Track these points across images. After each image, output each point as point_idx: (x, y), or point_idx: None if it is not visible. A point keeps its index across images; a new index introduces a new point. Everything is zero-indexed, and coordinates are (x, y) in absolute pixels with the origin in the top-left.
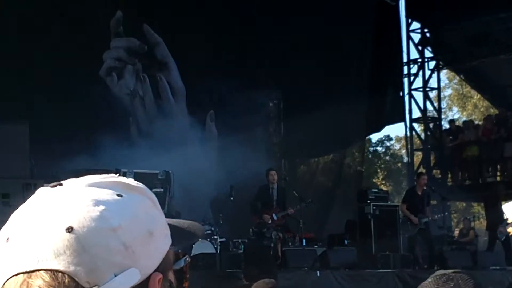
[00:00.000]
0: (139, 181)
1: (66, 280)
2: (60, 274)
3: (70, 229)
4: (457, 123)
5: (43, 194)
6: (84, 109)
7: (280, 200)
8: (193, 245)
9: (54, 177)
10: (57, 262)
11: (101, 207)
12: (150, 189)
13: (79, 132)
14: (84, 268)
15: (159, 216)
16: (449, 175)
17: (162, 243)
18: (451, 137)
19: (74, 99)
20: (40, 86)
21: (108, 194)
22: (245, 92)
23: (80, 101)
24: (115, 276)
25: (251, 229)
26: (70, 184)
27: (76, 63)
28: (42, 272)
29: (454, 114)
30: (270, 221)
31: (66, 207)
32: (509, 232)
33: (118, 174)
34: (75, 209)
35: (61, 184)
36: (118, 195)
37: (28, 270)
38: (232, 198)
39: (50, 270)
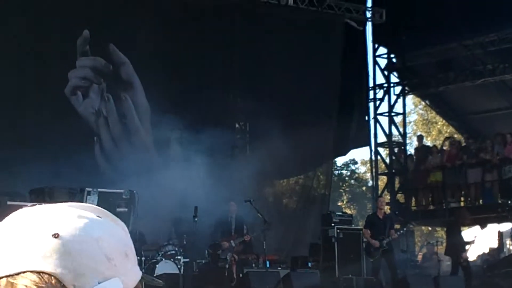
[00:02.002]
0: (103, 200)
1: (53, 281)
2: (46, 275)
3: (56, 235)
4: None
5: (24, 211)
6: (49, 128)
7: (238, 228)
8: (157, 265)
9: (17, 194)
10: (44, 264)
11: (85, 220)
12: (115, 208)
13: (44, 151)
14: (70, 272)
15: (131, 246)
16: (413, 200)
17: (136, 269)
18: (415, 160)
19: (40, 118)
20: (4, 103)
21: (88, 213)
22: (211, 113)
23: (46, 119)
24: (99, 283)
25: (206, 251)
26: (51, 204)
27: (42, 81)
28: (28, 273)
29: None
30: (227, 246)
31: (51, 217)
32: (468, 257)
33: (83, 193)
34: (61, 219)
35: (40, 204)
36: (97, 216)
37: (12, 273)
38: (196, 219)
39: (37, 271)
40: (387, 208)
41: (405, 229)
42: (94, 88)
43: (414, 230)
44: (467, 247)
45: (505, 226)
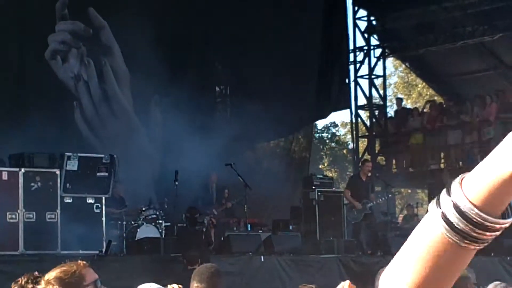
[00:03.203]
0: (84, 165)
1: None
2: None
3: None
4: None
5: None
6: (29, 92)
7: (219, 198)
8: (138, 230)
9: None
10: None
11: None
12: (95, 173)
13: (24, 116)
14: None
15: None
16: (394, 162)
17: None
18: (395, 123)
19: (19, 82)
20: None
21: None
22: (191, 77)
23: (24, 84)
24: None
25: (183, 215)
26: None
27: (22, 46)
28: None
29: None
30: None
31: None
32: None
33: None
34: None
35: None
36: None
37: None
38: (176, 183)
39: None
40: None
41: (389, 195)
42: (73, 53)
43: (394, 191)
44: None
45: None
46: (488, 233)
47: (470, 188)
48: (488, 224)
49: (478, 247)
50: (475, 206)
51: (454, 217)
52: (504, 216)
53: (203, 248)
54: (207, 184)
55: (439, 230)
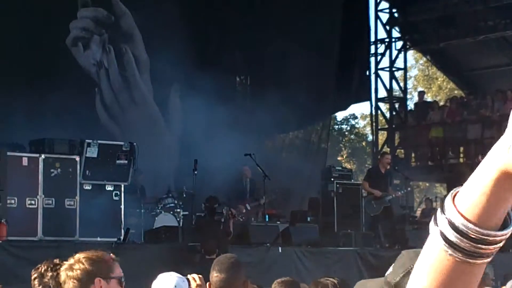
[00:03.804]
0: (103, 153)
1: None
2: None
3: None
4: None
5: None
6: (50, 79)
7: (252, 191)
8: (156, 218)
9: (17, 145)
10: None
11: None
12: (114, 160)
13: (44, 102)
14: None
15: None
16: (413, 155)
17: None
18: (415, 116)
19: (40, 69)
20: (6, 56)
21: None
22: (211, 66)
23: (46, 71)
24: None
25: (202, 204)
26: None
27: (43, 33)
28: None
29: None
30: (244, 211)
31: None
32: None
33: (83, 145)
34: None
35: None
36: None
37: None
38: (195, 172)
39: None
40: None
41: (408, 189)
42: (95, 39)
43: (413, 186)
44: None
45: None
46: (490, 247)
47: (463, 203)
48: (487, 238)
49: (484, 261)
50: (469, 221)
51: (451, 235)
52: (505, 225)
53: (221, 238)
54: (241, 178)
55: (441, 248)
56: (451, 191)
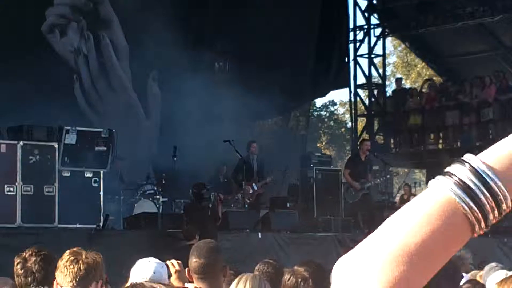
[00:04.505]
0: (82, 139)
1: None
2: None
3: None
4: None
5: None
6: (27, 66)
7: (260, 170)
8: (135, 205)
9: None
10: None
11: None
12: (94, 147)
13: (22, 88)
14: None
15: None
16: (392, 142)
17: None
18: (394, 103)
19: (18, 56)
20: None
21: None
22: (190, 52)
23: (23, 58)
24: None
25: (190, 190)
26: None
27: (19, 19)
28: None
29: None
30: (251, 191)
31: None
32: None
33: (62, 132)
34: None
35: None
36: None
37: None
38: (175, 159)
39: None
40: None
41: (387, 175)
42: (73, 26)
43: (392, 171)
44: None
45: None
46: (497, 214)
47: (492, 158)
48: (501, 197)
49: (479, 227)
50: (498, 176)
51: (471, 183)
52: None
53: (209, 224)
54: (248, 156)
55: (447, 197)
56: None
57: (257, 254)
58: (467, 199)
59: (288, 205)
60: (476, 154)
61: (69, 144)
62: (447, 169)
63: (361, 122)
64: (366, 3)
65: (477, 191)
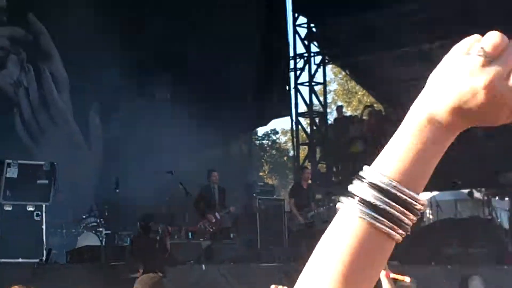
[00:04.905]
0: (23, 173)
1: None
2: None
3: None
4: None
5: None
6: None
7: (221, 199)
8: (78, 238)
9: None
10: None
11: None
12: (35, 180)
13: None
14: None
15: None
16: (334, 170)
17: None
18: (336, 131)
19: None
20: None
21: None
22: (130, 82)
23: None
24: None
25: (138, 223)
26: None
27: None
28: None
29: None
30: (213, 220)
31: None
32: None
33: (3, 165)
34: None
35: None
36: None
37: None
38: (117, 190)
39: None
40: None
41: (330, 204)
42: (13, 59)
43: (335, 199)
44: None
45: (424, 196)
46: (412, 216)
47: (386, 164)
48: (413, 202)
49: (402, 234)
50: (397, 181)
51: (376, 200)
52: None
53: (157, 257)
54: (208, 185)
55: (359, 222)
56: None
57: (202, 286)
58: (374, 215)
59: (231, 235)
60: None
61: (11, 177)
62: (349, 188)
63: (303, 151)
64: (305, 31)
65: (381, 204)
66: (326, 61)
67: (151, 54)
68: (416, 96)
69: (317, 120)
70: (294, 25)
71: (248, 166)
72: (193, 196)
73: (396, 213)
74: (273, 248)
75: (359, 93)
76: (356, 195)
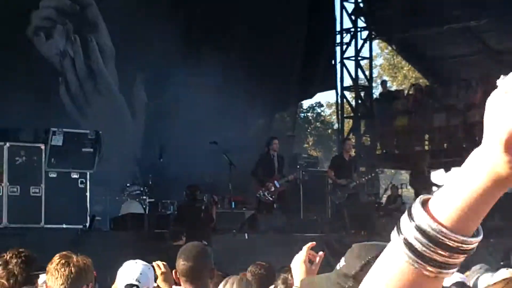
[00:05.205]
0: (69, 141)
1: None
2: None
3: None
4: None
5: None
6: (13, 68)
7: (280, 167)
8: (122, 205)
9: None
10: None
11: None
12: (80, 149)
13: (7, 91)
14: None
15: None
16: (378, 143)
17: None
18: (380, 105)
19: (2, 59)
20: None
21: None
22: (176, 54)
23: (7, 60)
24: None
25: (184, 192)
26: None
27: (4, 23)
28: None
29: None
30: (272, 189)
31: None
32: None
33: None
34: None
35: None
36: None
37: None
38: (161, 159)
39: None
40: (352, 151)
41: (372, 174)
42: (59, 29)
43: (379, 173)
44: (433, 188)
45: None
46: (462, 256)
47: (440, 209)
48: (463, 245)
49: (451, 272)
50: (447, 228)
51: (420, 245)
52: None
53: (203, 226)
54: (268, 152)
55: (403, 258)
56: (419, 198)
57: (243, 255)
58: (420, 262)
59: (274, 205)
60: (462, 156)
61: (56, 145)
62: (400, 222)
63: (348, 124)
64: (352, 6)
65: (427, 250)
66: (373, 36)
67: (198, 25)
68: (461, 72)
69: (362, 94)
70: (341, 0)
71: (293, 138)
72: (237, 167)
73: (443, 258)
74: (315, 219)
75: (405, 68)
76: (402, 234)
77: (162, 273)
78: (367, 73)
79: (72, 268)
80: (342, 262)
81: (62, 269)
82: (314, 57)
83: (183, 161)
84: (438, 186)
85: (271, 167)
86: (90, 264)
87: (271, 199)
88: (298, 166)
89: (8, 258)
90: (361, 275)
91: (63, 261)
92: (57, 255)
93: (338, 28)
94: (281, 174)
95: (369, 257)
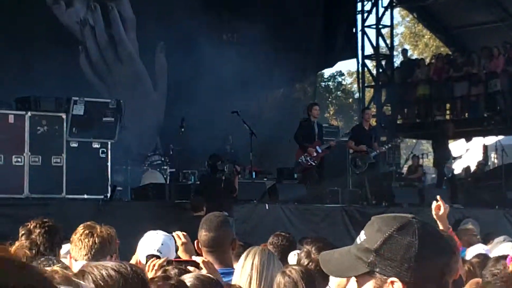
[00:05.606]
0: (90, 110)
1: None
2: None
3: None
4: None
5: None
6: (33, 37)
7: (320, 134)
8: (143, 175)
9: (3, 103)
10: None
11: None
12: (101, 118)
13: (28, 59)
14: None
15: None
16: (399, 112)
17: None
18: (401, 73)
19: (22, 27)
20: None
21: None
22: (197, 23)
23: (27, 29)
24: None
25: (206, 162)
26: None
27: None
28: None
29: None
30: (314, 154)
31: None
32: (454, 169)
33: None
34: None
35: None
36: None
37: None
38: (182, 129)
39: None
40: (373, 120)
41: (391, 143)
42: None
43: (400, 143)
44: (452, 160)
45: (490, 140)
46: None
47: None
48: None
49: None
50: None
51: None
52: None
53: (224, 196)
54: (308, 118)
55: None
56: None
57: (264, 226)
58: None
59: (295, 176)
60: (483, 126)
61: (77, 114)
62: None
63: (369, 93)
64: None
65: None
66: (394, 4)
67: None
68: (482, 40)
69: (383, 62)
70: None
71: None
72: (257, 136)
73: None
74: (336, 189)
75: (426, 36)
76: None
77: (183, 243)
78: (388, 41)
79: (96, 239)
80: (362, 235)
81: (86, 240)
82: (335, 26)
83: (204, 131)
84: (458, 157)
85: (311, 133)
86: (114, 234)
87: (313, 163)
88: None
89: (31, 227)
90: (383, 248)
91: (87, 231)
92: (81, 225)
93: None
94: (321, 140)
95: (390, 231)
